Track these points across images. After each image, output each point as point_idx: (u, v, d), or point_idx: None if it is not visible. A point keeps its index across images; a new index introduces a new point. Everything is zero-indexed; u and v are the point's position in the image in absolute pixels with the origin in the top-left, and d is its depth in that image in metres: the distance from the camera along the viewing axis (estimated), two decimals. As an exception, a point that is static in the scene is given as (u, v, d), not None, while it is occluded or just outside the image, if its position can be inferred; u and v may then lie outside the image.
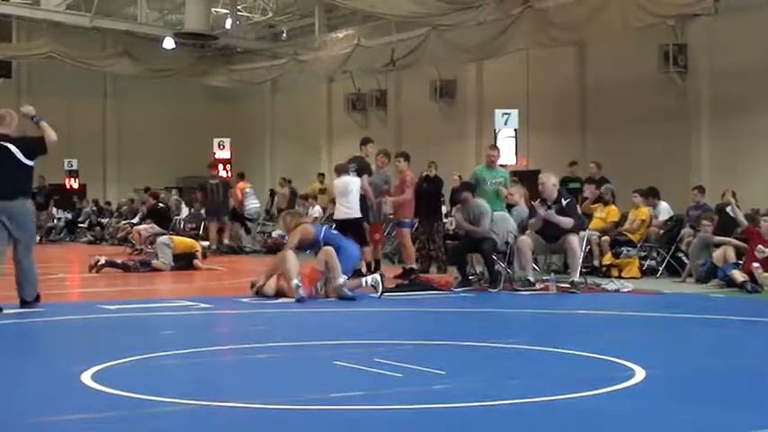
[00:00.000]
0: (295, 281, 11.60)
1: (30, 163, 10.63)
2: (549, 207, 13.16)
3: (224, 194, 22.75)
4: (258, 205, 24.32)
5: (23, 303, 10.71)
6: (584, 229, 13.96)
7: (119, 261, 17.27)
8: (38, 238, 29.22)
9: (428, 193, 16.49)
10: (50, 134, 10.64)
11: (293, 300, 11.51)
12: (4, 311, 10.32)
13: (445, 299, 12.39)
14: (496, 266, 13.62)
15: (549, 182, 13.40)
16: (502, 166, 16.41)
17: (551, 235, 13.18)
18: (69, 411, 5.56)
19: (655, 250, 15.97)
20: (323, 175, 25.75)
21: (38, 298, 10.85)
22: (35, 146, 10.70)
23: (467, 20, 22.79)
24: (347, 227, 14.02)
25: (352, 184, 14.34)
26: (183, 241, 17.94)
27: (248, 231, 23.41)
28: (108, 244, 26.10)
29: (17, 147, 10.53)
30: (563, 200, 13.29)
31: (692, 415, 5.46)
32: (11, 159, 10.47)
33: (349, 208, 14.23)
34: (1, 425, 5.28)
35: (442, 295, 12.73)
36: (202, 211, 23.63)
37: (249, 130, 33.30)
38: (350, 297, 11.67)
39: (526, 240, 13.15)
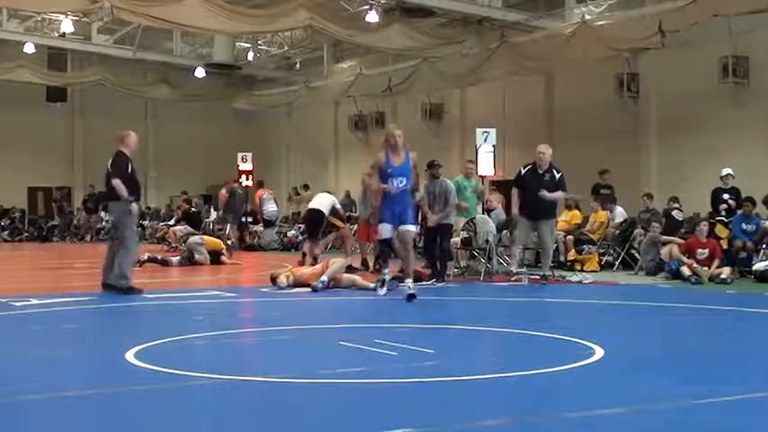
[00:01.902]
0: (325, 278, 11.56)
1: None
2: (542, 175, 12.71)
3: (245, 201, 22.84)
4: (275, 209, 24.17)
5: (117, 291, 11.06)
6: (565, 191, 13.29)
7: (159, 257, 17.29)
8: (89, 237, 29.48)
9: None
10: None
11: (307, 289, 11.48)
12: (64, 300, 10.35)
13: (434, 289, 12.33)
14: (463, 262, 13.66)
15: (548, 153, 12.95)
16: (482, 177, 16.52)
17: (537, 209, 12.64)
18: (117, 384, 5.55)
19: (611, 247, 15.96)
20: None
21: (128, 290, 11.09)
22: (115, 164, 11.28)
23: (452, 53, 22.83)
24: (314, 215, 15.16)
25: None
26: (212, 240, 18.02)
27: (241, 230, 23.05)
28: (148, 243, 26.03)
29: (111, 160, 11.30)
30: (555, 171, 12.79)
31: (644, 386, 5.45)
32: (108, 172, 11.27)
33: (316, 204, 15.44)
34: (59, 396, 5.27)
35: (430, 286, 12.67)
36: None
37: (268, 146, 33.20)
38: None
39: (517, 247, 13.00)
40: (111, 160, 11.39)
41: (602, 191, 17.60)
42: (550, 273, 13.05)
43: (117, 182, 11.10)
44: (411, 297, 10.14)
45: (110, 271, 11.24)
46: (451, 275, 13.27)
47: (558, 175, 12.77)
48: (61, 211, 30.48)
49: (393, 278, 11.31)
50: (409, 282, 10.40)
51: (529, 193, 12.68)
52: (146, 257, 16.71)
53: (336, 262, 12.02)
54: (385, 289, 10.89)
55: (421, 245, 14.65)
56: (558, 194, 12.93)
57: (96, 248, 25.43)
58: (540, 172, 12.72)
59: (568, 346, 6.98)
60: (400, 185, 10.38)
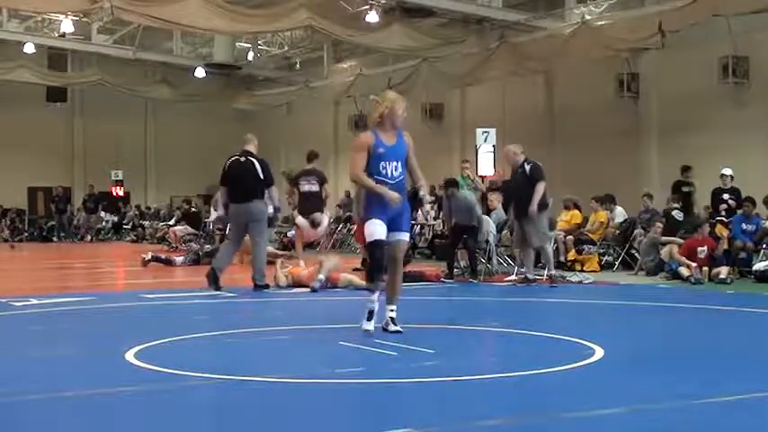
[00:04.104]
0: (322, 276, 11.57)
1: (262, 177, 11.70)
2: (516, 173, 12.62)
3: None
4: (272, 210, 24.13)
5: (255, 287, 11.58)
6: (544, 180, 12.46)
7: (163, 256, 17.34)
8: (89, 237, 29.44)
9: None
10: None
11: (307, 289, 11.48)
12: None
13: (435, 289, 12.35)
14: (463, 262, 13.59)
15: (510, 152, 12.82)
16: (482, 177, 16.54)
17: (517, 209, 12.48)
18: (116, 384, 5.55)
19: (612, 248, 15.95)
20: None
21: (266, 286, 11.59)
22: (269, 173, 11.88)
23: (452, 53, 22.84)
24: None
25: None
26: None
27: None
28: (148, 243, 26.03)
29: (259, 164, 11.75)
30: (525, 164, 12.49)
31: (644, 386, 5.45)
32: (254, 171, 11.65)
33: None
34: (59, 396, 5.27)
35: (431, 286, 12.69)
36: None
37: (268, 145, 32.90)
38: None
39: (531, 251, 12.67)
40: (253, 162, 11.76)
41: (683, 188, 16.58)
42: (542, 275, 12.61)
43: (274, 190, 11.94)
44: (395, 332, 7.51)
45: (221, 263, 11.74)
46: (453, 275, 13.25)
47: (528, 168, 12.42)
48: (59, 211, 30.29)
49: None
50: (392, 312, 7.70)
51: (511, 195, 12.86)
52: (150, 257, 16.78)
53: (330, 260, 12.01)
54: (378, 324, 7.65)
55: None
56: (536, 195, 12.13)
57: (97, 248, 25.49)
58: (514, 171, 12.68)
59: (568, 346, 6.97)
60: (395, 173, 7.58)
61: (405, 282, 12.47)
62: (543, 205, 12.46)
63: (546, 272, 12.75)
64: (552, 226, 15.67)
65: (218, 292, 11.37)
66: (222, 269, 11.74)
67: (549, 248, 12.98)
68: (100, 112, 32.30)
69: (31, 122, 31.11)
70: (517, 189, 12.60)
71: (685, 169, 17.03)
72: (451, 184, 13.64)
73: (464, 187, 14.31)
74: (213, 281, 11.51)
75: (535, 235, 12.38)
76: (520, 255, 13.18)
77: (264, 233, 12.07)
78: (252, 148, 12.04)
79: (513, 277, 13.20)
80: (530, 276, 12.53)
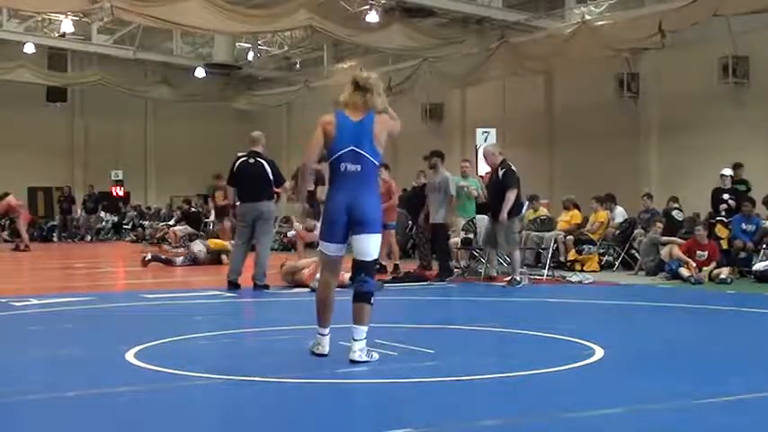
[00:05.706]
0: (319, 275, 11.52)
1: (271, 179, 11.81)
2: (492, 175, 12.72)
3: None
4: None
5: (255, 286, 11.54)
6: (518, 188, 12.35)
7: (162, 257, 17.33)
8: (89, 237, 29.43)
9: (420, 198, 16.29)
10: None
11: (307, 289, 11.47)
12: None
13: (434, 289, 12.34)
14: (463, 262, 13.60)
15: (488, 153, 12.95)
16: (480, 176, 16.48)
17: (493, 211, 12.55)
18: (117, 384, 5.54)
19: (612, 248, 15.95)
20: None
21: (266, 286, 11.52)
22: (279, 173, 12.12)
23: (452, 53, 22.84)
24: None
25: None
26: (215, 242, 17.89)
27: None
28: (148, 243, 26.00)
29: (268, 164, 11.84)
30: (500, 169, 12.38)
31: (644, 386, 5.45)
32: (263, 171, 11.71)
33: None
34: (59, 396, 5.27)
35: (431, 286, 12.67)
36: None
37: (268, 146, 32.79)
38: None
39: (516, 252, 12.63)
40: (262, 163, 11.82)
41: (737, 186, 15.83)
42: (519, 278, 12.30)
43: (286, 187, 12.18)
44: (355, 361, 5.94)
45: (238, 270, 11.74)
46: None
47: (501, 173, 12.35)
48: (63, 211, 30.18)
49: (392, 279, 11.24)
50: (361, 340, 6.03)
51: (491, 198, 12.85)
52: (149, 257, 16.77)
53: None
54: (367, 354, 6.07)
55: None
56: (506, 203, 12.10)
57: (97, 248, 25.50)
58: (494, 171, 12.69)
59: (568, 346, 6.97)
60: (352, 167, 6.36)
61: (405, 282, 12.73)
62: (516, 209, 12.54)
63: (514, 274, 12.38)
64: (552, 226, 15.74)
65: (219, 292, 11.37)
66: (239, 273, 11.74)
67: (518, 254, 12.77)
68: (100, 112, 32.32)
69: (31, 122, 31.09)
70: (493, 191, 12.68)
71: (737, 167, 16.20)
72: (437, 154, 13.51)
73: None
74: (234, 288, 11.56)
75: (504, 240, 12.42)
76: (486, 253, 13.33)
77: (270, 234, 12.10)
78: (260, 148, 12.05)
79: (517, 277, 13.14)
80: (517, 278, 12.33)
